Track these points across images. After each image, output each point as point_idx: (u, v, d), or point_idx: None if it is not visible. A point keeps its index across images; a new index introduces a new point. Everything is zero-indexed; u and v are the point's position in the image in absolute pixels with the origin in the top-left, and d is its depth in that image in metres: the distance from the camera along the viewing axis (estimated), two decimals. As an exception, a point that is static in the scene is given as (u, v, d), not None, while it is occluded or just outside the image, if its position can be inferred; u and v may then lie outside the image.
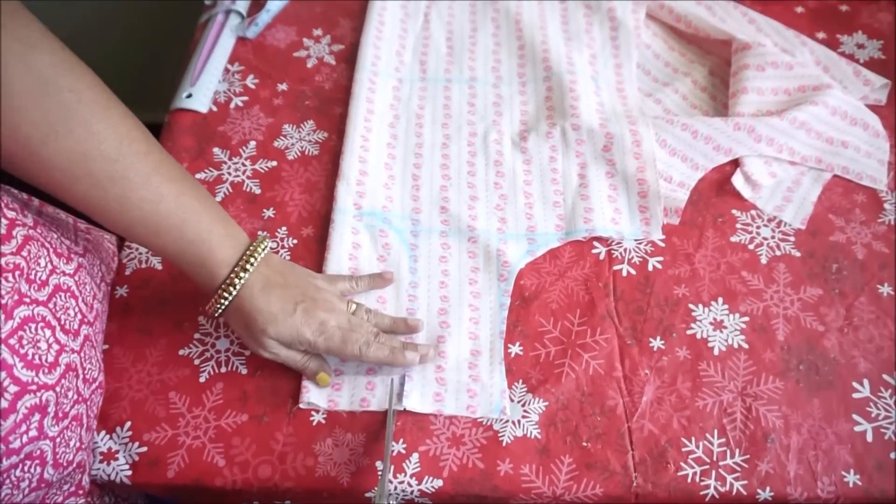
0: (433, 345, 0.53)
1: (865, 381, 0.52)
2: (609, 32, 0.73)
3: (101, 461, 0.48)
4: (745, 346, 0.54)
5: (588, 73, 0.70)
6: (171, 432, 0.50)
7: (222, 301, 0.48)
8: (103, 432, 0.50)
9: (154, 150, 0.45)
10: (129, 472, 0.48)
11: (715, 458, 0.49)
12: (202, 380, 0.52)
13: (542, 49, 0.71)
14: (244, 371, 0.52)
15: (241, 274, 0.48)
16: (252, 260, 0.48)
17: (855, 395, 0.52)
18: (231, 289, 0.47)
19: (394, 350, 0.51)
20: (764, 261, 0.58)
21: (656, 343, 0.54)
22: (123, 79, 1.21)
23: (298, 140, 0.66)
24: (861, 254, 0.59)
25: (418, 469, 0.48)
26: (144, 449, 0.49)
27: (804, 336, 0.54)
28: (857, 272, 0.58)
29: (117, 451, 0.49)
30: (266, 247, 0.50)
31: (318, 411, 0.51)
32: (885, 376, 0.53)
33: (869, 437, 0.50)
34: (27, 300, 0.42)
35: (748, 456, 0.49)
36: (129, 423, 0.50)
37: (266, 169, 0.64)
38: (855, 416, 0.51)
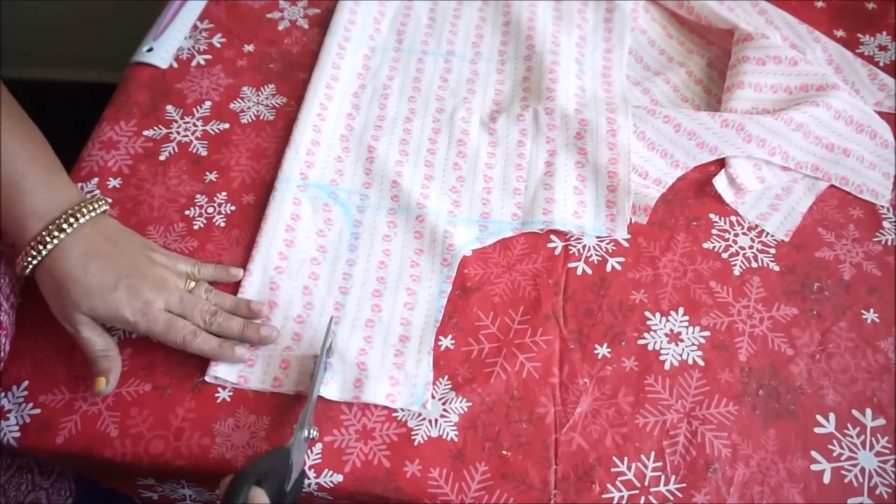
0: (276, 327, 0.49)
1: (831, 416, 0.47)
2: (604, 14, 0.68)
3: (-10, 419, 0.46)
4: (701, 363, 0.49)
5: (573, 55, 0.65)
6: (69, 396, 0.47)
7: (29, 259, 0.44)
8: (-1, 389, 0.47)
9: None
10: (17, 434, 0.46)
11: (647, 483, 0.44)
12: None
13: (528, 27, 0.66)
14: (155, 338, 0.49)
15: (56, 233, 0.44)
16: (73, 220, 0.44)
17: (817, 430, 0.46)
18: (41, 247, 0.44)
19: (222, 345, 0.47)
20: (737, 272, 0.53)
21: (602, 350, 0.49)
22: (110, 38, 1.20)
23: (255, 104, 0.62)
24: (848, 274, 0.53)
25: (319, 461, 0.45)
26: (38, 411, 0.46)
27: (769, 359, 0.49)
28: (841, 294, 0.52)
29: (9, 411, 0.46)
30: (98, 209, 0.46)
31: (224, 388, 0.48)
32: (854, 412, 0.47)
33: (826, 478, 0.45)
34: None
35: (685, 484, 0.44)
36: (26, 383, 0.47)
37: (217, 131, 0.60)
38: (814, 454, 0.45)
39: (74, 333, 0.46)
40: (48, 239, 0.44)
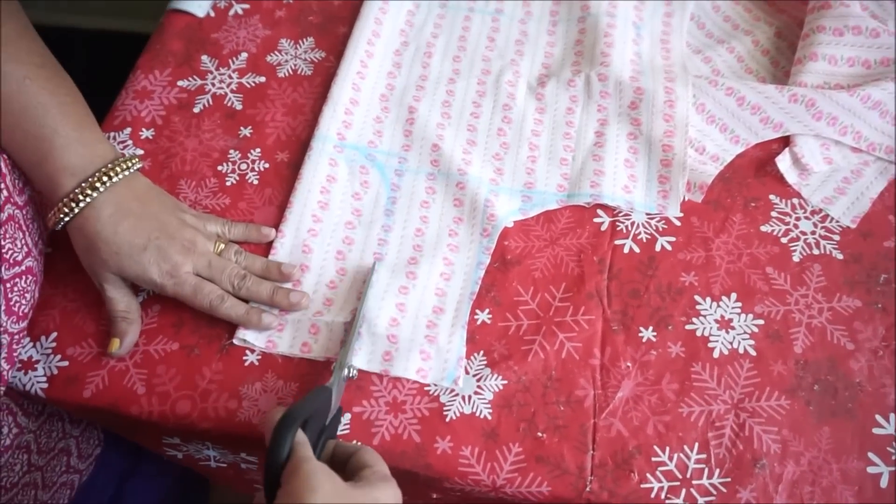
0: (306, 293, 0.47)
1: (892, 416, 0.44)
2: (666, -25, 0.63)
3: (18, 369, 0.45)
4: (753, 352, 0.46)
5: (631, 18, 0.60)
6: (97, 350, 0.46)
7: (61, 216, 0.43)
8: (27, 339, 0.46)
9: (10, 24, 0.40)
10: (45, 385, 0.45)
11: (689, 475, 0.42)
12: (140, 299, 0.48)
13: (584, -14, 0.62)
14: (185, 296, 0.48)
15: (89, 192, 0.42)
16: (106, 178, 0.43)
17: (876, 431, 0.43)
18: (73, 205, 0.42)
19: (249, 311, 0.45)
20: (797, 258, 0.49)
21: (647, 333, 0.46)
22: None
23: (293, 57, 0.60)
24: (919, 266, 0.49)
25: (347, 431, 0.43)
26: (66, 363, 0.46)
27: (827, 352, 0.46)
28: (910, 287, 0.48)
29: (37, 362, 0.46)
30: (131, 167, 0.44)
31: (252, 351, 0.46)
32: (918, 414, 0.44)
33: (883, 483, 0.42)
34: None
35: (729, 479, 0.42)
36: (54, 334, 0.47)
37: (252, 84, 0.58)
38: (871, 455, 0.43)
39: (101, 290, 0.45)
40: (81, 197, 0.43)
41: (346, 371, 0.42)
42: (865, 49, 0.56)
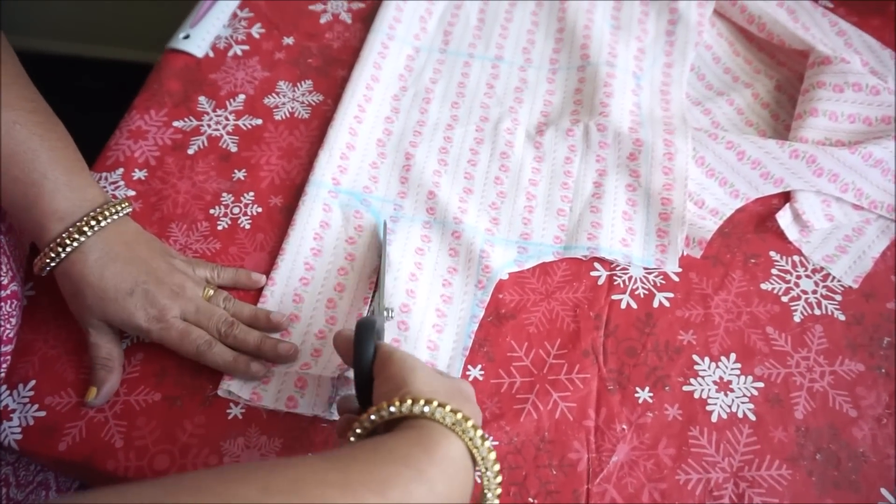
0: (294, 344, 0.46)
1: (898, 490, 0.42)
2: (666, 26, 0.63)
3: (-7, 418, 0.44)
4: (752, 417, 0.44)
5: (631, 68, 0.60)
6: (76, 400, 0.45)
7: (48, 261, 0.42)
8: (4, 387, 0.45)
9: (5, 70, 0.40)
10: (19, 437, 0.43)
11: (686, 549, 0.40)
12: (124, 346, 0.47)
13: (584, 35, 0.62)
14: (170, 345, 0.47)
15: (77, 236, 0.42)
16: (94, 223, 0.42)
17: (880, 505, 0.42)
18: (60, 250, 0.42)
19: (237, 359, 0.44)
20: (798, 318, 0.48)
21: (643, 395, 0.45)
22: (146, 19, 1.18)
23: (291, 100, 0.59)
24: (923, 329, 0.48)
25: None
26: (42, 413, 0.44)
27: (829, 419, 0.44)
28: (914, 351, 0.47)
29: (13, 411, 0.44)
30: (120, 211, 0.44)
31: (237, 404, 0.45)
32: (924, 488, 0.42)
33: (888, 561, 0.40)
34: None
35: (728, 554, 0.40)
36: (33, 382, 0.45)
37: (249, 126, 0.58)
38: (875, 531, 0.41)
39: (86, 335, 0.44)
40: (68, 241, 0.42)
41: (385, 314, 0.44)
42: (866, 106, 0.55)
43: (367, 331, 0.37)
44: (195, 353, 0.44)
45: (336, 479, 0.27)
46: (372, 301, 0.46)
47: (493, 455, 0.33)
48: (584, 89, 0.59)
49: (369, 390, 0.37)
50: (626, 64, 0.60)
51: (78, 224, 0.42)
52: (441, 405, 0.32)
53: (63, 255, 0.42)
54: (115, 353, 0.45)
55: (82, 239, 0.42)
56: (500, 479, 0.33)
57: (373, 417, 0.33)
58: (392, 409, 0.33)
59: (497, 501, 0.33)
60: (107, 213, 0.43)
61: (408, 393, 0.33)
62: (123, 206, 0.45)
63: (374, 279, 0.49)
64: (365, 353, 0.37)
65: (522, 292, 0.49)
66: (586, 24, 0.63)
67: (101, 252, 0.43)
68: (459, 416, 0.32)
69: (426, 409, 0.32)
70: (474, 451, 0.32)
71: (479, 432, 0.32)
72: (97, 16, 1.25)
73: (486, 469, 0.33)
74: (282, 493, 0.25)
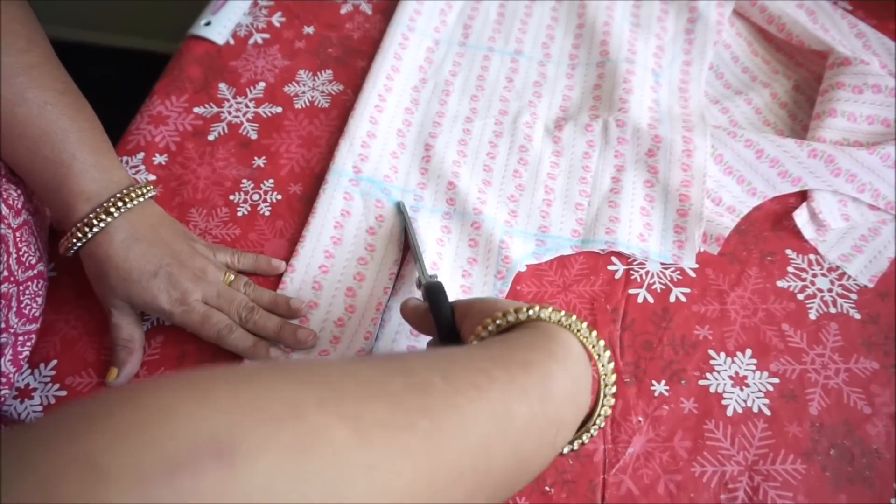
0: (313, 331, 0.46)
1: (911, 487, 0.42)
2: (685, 24, 0.63)
3: (15, 397, 0.44)
4: (768, 412, 0.45)
5: (650, 65, 0.61)
6: (97, 381, 0.45)
7: (74, 241, 0.42)
8: (26, 366, 0.45)
9: (36, 51, 0.41)
10: (41, 416, 0.44)
11: (700, 540, 0.41)
12: (144, 328, 0.47)
13: (604, 31, 0.62)
14: (190, 328, 0.47)
15: (104, 216, 0.42)
16: (121, 204, 0.43)
17: (895, 501, 0.42)
18: (87, 230, 0.42)
19: (257, 344, 0.45)
20: (813, 316, 0.48)
21: (659, 388, 0.45)
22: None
23: (311, 89, 0.60)
24: (938, 330, 0.48)
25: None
26: (64, 393, 0.45)
27: (843, 415, 0.45)
28: (928, 351, 0.47)
29: (34, 390, 0.45)
30: (146, 194, 0.45)
31: (256, 388, 0.45)
32: (937, 485, 0.42)
33: (901, 557, 0.40)
34: None
35: (742, 546, 0.41)
36: (54, 362, 0.46)
37: (269, 114, 0.58)
38: (888, 527, 0.41)
39: (108, 316, 0.45)
40: (95, 222, 0.42)
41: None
42: (885, 108, 0.55)
43: (440, 289, 0.40)
44: (216, 337, 0.44)
45: (486, 365, 0.29)
46: (395, 283, 0.47)
47: (607, 352, 0.34)
48: (603, 85, 0.59)
49: (456, 341, 0.38)
50: (646, 61, 0.61)
51: (105, 205, 0.43)
52: (554, 308, 0.34)
53: (90, 236, 0.42)
54: (136, 335, 0.45)
55: (109, 220, 0.43)
56: (614, 376, 0.35)
57: (498, 323, 0.34)
58: (509, 317, 0.34)
59: (614, 390, 0.35)
60: (133, 196, 0.44)
61: (510, 307, 0.34)
62: (149, 188, 0.45)
63: (395, 271, 0.50)
64: (445, 309, 0.39)
65: (540, 284, 0.50)
66: (606, 21, 0.63)
67: (126, 233, 0.43)
68: (573, 317, 0.34)
69: (542, 312, 0.34)
70: (589, 346, 0.34)
71: (592, 330, 0.34)
72: (119, 5, 1.26)
73: (602, 364, 0.34)
74: (457, 378, 0.27)
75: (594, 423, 0.34)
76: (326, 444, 0.19)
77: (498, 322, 0.34)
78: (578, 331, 0.34)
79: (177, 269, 0.44)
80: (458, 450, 0.24)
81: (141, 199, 0.44)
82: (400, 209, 0.52)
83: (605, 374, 0.35)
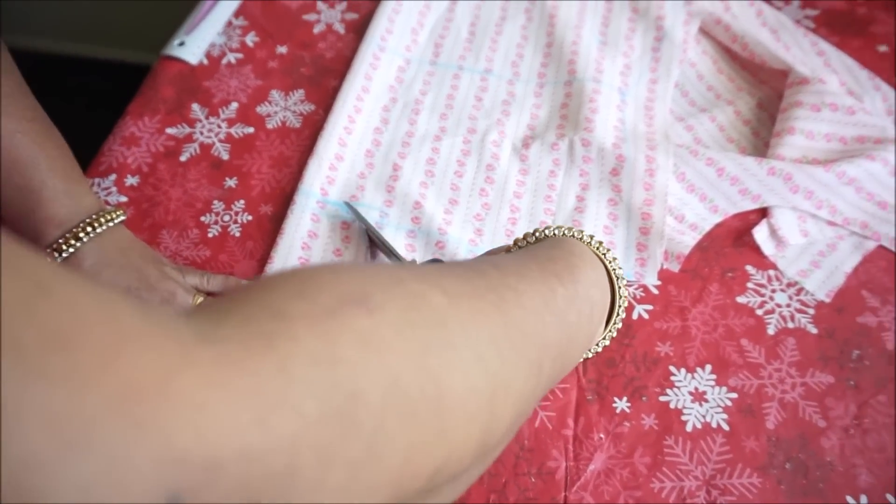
0: None
1: (863, 498, 0.43)
2: (652, 42, 0.65)
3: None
4: (726, 427, 0.46)
5: (616, 84, 0.62)
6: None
7: None
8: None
9: (7, 81, 0.42)
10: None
11: (658, 555, 0.42)
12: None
13: (572, 51, 0.63)
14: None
15: (73, 241, 0.43)
16: (90, 229, 0.43)
17: (846, 513, 0.43)
18: (56, 255, 0.43)
19: None
20: (771, 331, 0.50)
21: (621, 404, 0.46)
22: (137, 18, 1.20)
23: (283, 109, 0.60)
24: (892, 344, 0.49)
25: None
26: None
27: (799, 429, 0.46)
28: (882, 365, 0.48)
29: None
30: (115, 219, 0.45)
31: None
32: (889, 496, 0.44)
33: (852, 568, 0.42)
34: None
35: (698, 560, 0.42)
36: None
37: (241, 135, 0.59)
38: (840, 539, 0.42)
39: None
40: (64, 247, 0.43)
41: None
42: (842, 126, 0.57)
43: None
44: None
45: (523, 260, 0.34)
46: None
47: (621, 271, 0.39)
48: (570, 104, 0.61)
49: None
50: (612, 80, 0.62)
51: (74, 230, 0.43)
52: (567, 227, 0.39)
53: (59, 260, 0.43)
54: None
55: (78, 244, 0.43)
56: (626, 296, 0.40)
57: (536, 235, 0.39)
58: (537, 234, 0.39)
59: (626, 304, 0.42)
60: (102, 221, 0.44)
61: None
62: (118, 213, 0.46)
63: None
64: None
65: (505, 302, 0.50)
66: (574, 40, 0.64)
67: (95, 258, 0.44)
68: (583, 231, 0.39)
69: (556, 231, 0.39)
70: (600, 254, 0.38)
71: (601, 242, 0.39)
72: (99, 15, 1.26)
73: (614, 269, 0.39)
74: (504, 268, 0.31)
75: (615, 323, 0.40)
76: (427, 303, 0.24)
77: (536, 235, 0.39)
78: (603, 253, 0.38)
79: (146, 293, 0.44)
80: (520, 318, 0.28)
81: (110, 224, 0.45)
82: (350, 208, 0.53)
83: (618, 277, 0.39)
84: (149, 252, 0.48)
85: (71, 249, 0.43)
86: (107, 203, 0.54)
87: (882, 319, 0.50)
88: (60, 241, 0.43)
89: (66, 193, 0.44)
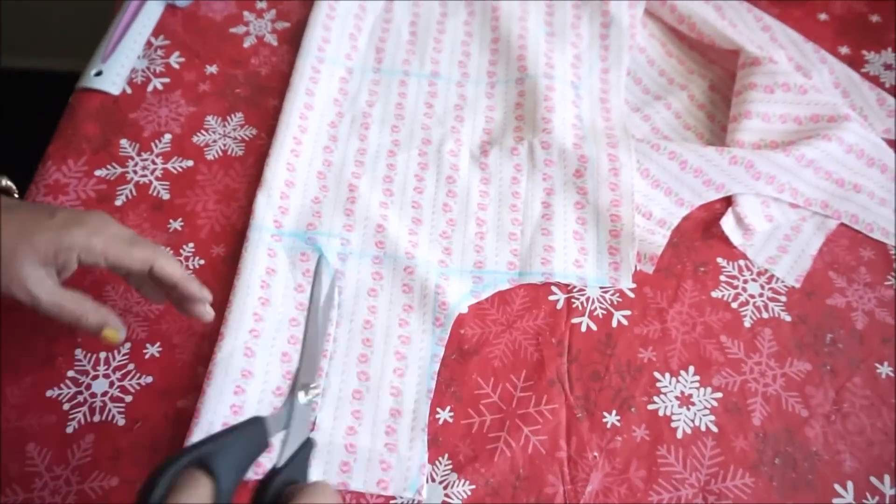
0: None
1: (849, 484, 0.45)
2: (599, 29, 0.63)
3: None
4: (715, 429, 0.46)
5: (569, 77, 0.60)
6: (23, 496, 0.42)
7: None
8: None
9: None
10: None
11: (663, 569, 0.42)
12: (69, 430, 0.44)
13: (519, 45, 0.61)
14: (121, 422, 0.44)
15: None
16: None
17: (836, 501, 0.44)
18: None
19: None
20: (748, 324, 0.50)
21: (611, 419, 0.46)
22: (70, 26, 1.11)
23: (222, 136, 0.56)
24: (861, 323, 0.50)
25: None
26: (-12, 513, 0.41)
27: (784, 422, 0.46)
28: (855, 345, 0.49)
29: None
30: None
31: (201, 478, 0.43)
32: (872, 479, 0.45)
33: (847, 555, 0.43)
34: None
35: (702, 569, 0.42)
36: None
37: (179, 169, 0.54)
38: (833, 527, 0.43)
39: (33, 304, 0.38)
40: None
41: (306, 395, 0.39)
42: (795, 105, 0.57)
43: (158, 472, 0.29)
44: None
45: None
46: (333, 346, 0.46)
47: None
48: (524, 104, 0.58)
49: None
50: (564, 74, 0.60)
51: None
52: None
53: None
54: (77, 296, 0.40)
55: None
56: None
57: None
58: None
59: None
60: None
61: None
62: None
63: (332, 332, 0.48)
64: (142, 498, 0.29)
65: (484, 325, 0.49)
66: (520, 34, 0.62)
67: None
68: None
69: None
70: None
71: None
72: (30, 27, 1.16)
73: None
74: None
75: None
76: None
77: None
78: None
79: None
80: None
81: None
82: (317, 270, 0.49)
83: None
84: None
85: None
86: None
87: (849, 299, 0.51)
88: None
89: None
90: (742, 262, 0.52)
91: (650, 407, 0.46)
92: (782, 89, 0.57)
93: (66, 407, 0.45)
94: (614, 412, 0.46)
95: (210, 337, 0.47)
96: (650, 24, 0.65)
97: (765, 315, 0.50)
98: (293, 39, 0.61)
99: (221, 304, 0.49)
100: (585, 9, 0.64)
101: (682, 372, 0.48)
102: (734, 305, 0.50)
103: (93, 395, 0.45)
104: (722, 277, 0.52)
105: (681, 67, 0.63)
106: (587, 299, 0.50)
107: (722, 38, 0.60)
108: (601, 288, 0.51)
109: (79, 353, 0.46)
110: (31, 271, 0.38)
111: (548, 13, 0.64)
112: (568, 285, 0.50)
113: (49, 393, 0.45)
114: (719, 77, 0.62)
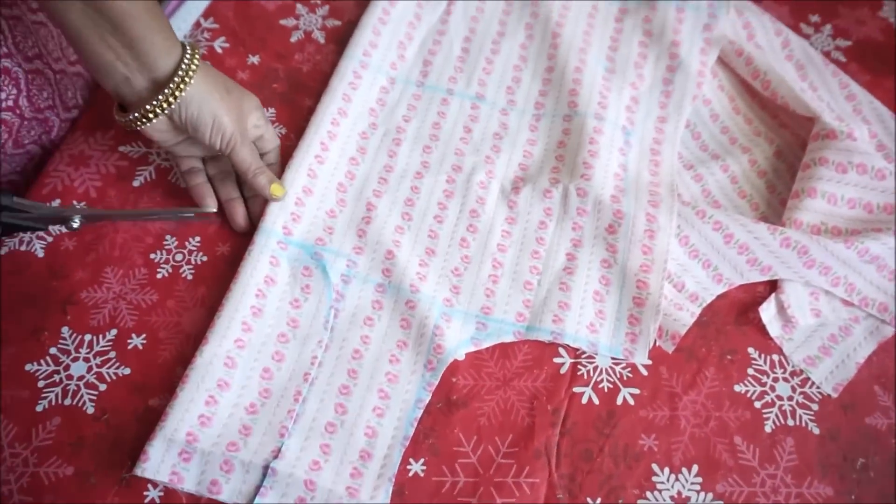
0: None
1: None
2: (664, 72, 0.58)
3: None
4: (708, 540, 0.41)
5: (621, 121, 0.55)
6: (-17, 476, 0.41)
7: (178, 82, 0.44)
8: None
9: None
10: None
11: None
12: (39, 409, 0.43)
13: (574, 78, 0.57)
14: (90, 410, 0.43)
15: (187, 80, 0.45)
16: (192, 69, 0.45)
17: None
18: (188, 68, 0.45)
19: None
20: (769, 429, 0.45)
21: (594, 506, 0.42)
22: None
23: (249, 130, 0.54)
24: (901, 451, 0.44)
25: None
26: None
27: (790, 548, 0.41)
28: (890, 478, 0.44)
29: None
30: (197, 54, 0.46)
31: (156, 485, 0.41)
32: None
33: None
34: None
35: None
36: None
37: (201, 159, 0.53)
38: None
39: (238, 146, 0.47)
40: (187, 67, 0.45)
41: None
42: (869, 191, 0.51)
43: None
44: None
45: None
46: (316, 370, 0.43)
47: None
48: (567, 143, 0.54)
49: None
50: (617, 116, 0.55)
51: (181, 74, 0.44)
52: None
53: (196, 61, 0.45)
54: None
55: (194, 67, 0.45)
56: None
57: None
58: None
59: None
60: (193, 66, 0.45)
61: None
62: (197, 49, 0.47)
63: (319, 355, 0.46)
64: None
65: (478, 377, 0.46)
66: (577, 66, 0.58)
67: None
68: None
69: None
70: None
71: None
72: None
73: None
74: None
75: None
76: None
77: None
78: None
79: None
80: None
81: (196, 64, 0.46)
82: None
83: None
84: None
85: (194, 67, 0.45)
86: (48, 234, 0.49)
87: (892, 422, 0.45)
88: (172, 86, 0.44)
89: (168, 42, 0.45)
90: (776, 357, 0.47)
91: (640, 502, 0.42)
92: (857, 170, 0.51)
93: (40, 384, 0.44)
94: (599, 500, 0.42)
95: (197, 338, 0.46)
96: (721, 74, 0.59)
97: (790, 422, 0.45)
98: (341, 39, 0.59)
99: (215, 306, 0.47)
100: (653, 48, 0.59)
101: (685, 469, 0.43)
102: (757, 405, 0.45)
103: (69, 377, 0.44)
104: (750, 370, 0.47)
105: (747, 127, 0.57)
106: (595, 368, 0.46)
107: (797, 102, 0.54)
108: (612, 359, 0.46)
109: (65, 331, 0.46)
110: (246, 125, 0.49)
111: (611, 48, 0.60)
112: (577, 349, 0.47)
113: (28, 367, 0.44)
114: (788, 144, 0.56)
